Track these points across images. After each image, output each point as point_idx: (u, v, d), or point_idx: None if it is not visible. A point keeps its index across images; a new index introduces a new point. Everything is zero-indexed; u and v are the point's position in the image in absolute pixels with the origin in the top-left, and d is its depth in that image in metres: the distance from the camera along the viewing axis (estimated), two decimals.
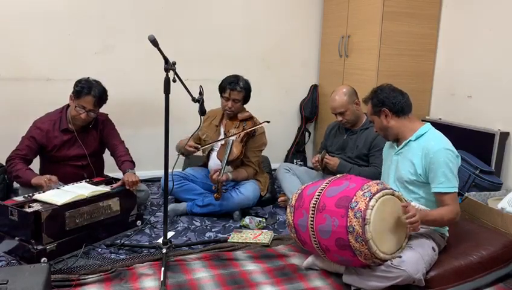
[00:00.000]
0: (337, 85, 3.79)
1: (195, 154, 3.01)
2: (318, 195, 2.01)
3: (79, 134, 2.72)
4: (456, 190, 2.00)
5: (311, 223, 1.97)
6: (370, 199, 1.83)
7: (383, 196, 1.86)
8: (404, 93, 2.18)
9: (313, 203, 1.99)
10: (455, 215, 1.99)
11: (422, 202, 2.07)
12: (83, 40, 3.42)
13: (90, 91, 2.60)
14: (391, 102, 2.13)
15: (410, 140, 2.12)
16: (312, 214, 1.98)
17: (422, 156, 2.04)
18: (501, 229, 2.37)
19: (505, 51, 2.92)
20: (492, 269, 2.07)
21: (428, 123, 2.16)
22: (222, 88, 2.94)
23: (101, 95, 2.65)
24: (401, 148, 2.16)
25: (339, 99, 2.81)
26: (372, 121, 2.28)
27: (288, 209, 2.17)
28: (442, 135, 2.11)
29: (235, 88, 2.89)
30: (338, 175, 2.17)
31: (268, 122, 2.91)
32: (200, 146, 2.90)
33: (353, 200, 1.85)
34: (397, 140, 2.21)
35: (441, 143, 2.03)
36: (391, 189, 1.95)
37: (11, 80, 3.30)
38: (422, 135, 2.10)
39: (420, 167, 2.05)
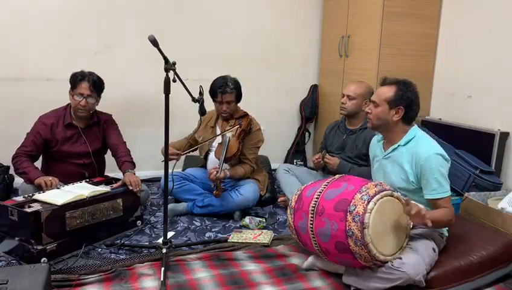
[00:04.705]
0: (337, 85, 3.83)
1: (193, 153, 2.99)
2: (317, 198, 1.98)
3: (83, 131, 2.73)
4: (449, 193, 2.00)
5: (311, 226, 1.96)
6: (368, 202, 1.80)
7: (381, 197, 1.84)
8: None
9: (312, 206, 1.98)
10: (452, 216, 1.99)
11: None
12: (83, 40, 3.42)
13: (84, 77, 2.67)
14: (412, 107, 2.06)
15: (399, 145, 2.09)
16: (311, 217, 1.96)
17: (413, 163, 2.02)
18: (501, 229, 2.37)
19: (505, 51, 2.91)
20: (492, 269, 2.08)
21: (416, 126, 2.13)
22: (213, 93, 2.91)
23: (96, 80, 2.69)
24: (390, 153, 2.13)
25: (358, 86, 2.87)
26: (377, 104, 2.09)
27: (288, 211, 2.16)
28: (430, 138, 2.08)
29: (226, 91, 2.86)
30: (337, 176, 2.14)
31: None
32: (181, 152, 2.83)
33: (351, 204, 1.83)
34: (384, 138, 2.19)
35: (431, 148, 2.00)
36: (390, 190, 1.92)
37: (11, 80, 3.30)
38: (411, 139, 2.07)
39: (412, 174, 2.03)
